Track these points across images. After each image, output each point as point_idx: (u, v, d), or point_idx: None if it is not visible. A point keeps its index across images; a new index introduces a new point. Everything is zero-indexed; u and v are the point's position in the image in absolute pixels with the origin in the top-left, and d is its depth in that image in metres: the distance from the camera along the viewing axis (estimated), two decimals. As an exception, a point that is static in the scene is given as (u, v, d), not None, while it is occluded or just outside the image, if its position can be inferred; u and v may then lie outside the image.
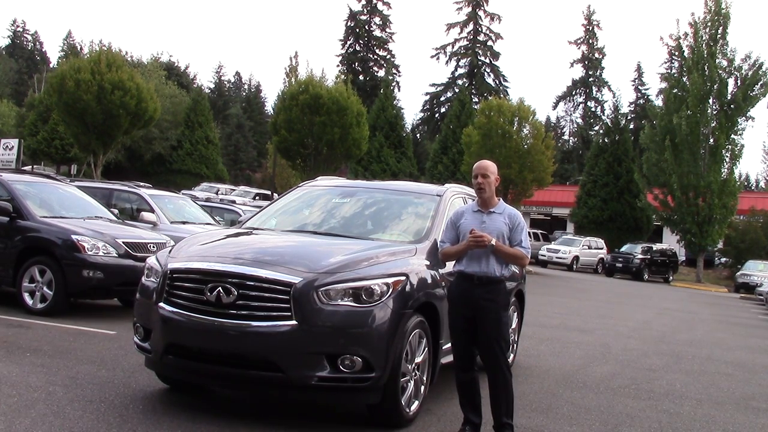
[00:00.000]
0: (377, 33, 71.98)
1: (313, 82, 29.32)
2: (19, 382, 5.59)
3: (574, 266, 35.99)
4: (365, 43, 71.62)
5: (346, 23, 71.30)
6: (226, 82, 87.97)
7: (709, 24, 35.67)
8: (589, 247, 37.81)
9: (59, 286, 8.63)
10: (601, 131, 56.14)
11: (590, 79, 73.23)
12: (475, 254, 5.02)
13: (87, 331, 7.97)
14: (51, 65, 76.60)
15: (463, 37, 70.03)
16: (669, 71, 48.84)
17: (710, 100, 35.43)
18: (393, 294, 4.96)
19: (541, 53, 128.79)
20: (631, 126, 61.25)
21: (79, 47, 65.49)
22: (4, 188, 9.35)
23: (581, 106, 74.86)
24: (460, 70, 70.36)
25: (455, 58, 70.36)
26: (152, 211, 12.11)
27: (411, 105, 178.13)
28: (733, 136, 35.45)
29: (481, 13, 69.44)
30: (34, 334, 7.51)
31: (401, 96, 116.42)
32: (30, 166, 45.39)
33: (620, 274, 34.81)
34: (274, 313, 4.76)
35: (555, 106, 78.12)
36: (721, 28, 35.53)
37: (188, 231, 10.63)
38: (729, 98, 35.35)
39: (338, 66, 70.06)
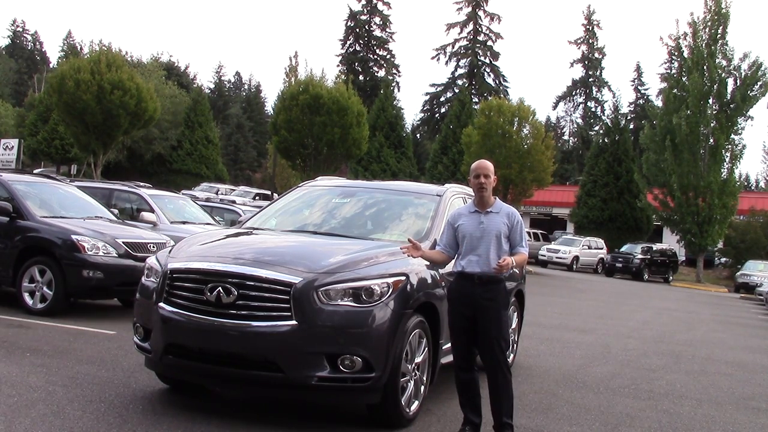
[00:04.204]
0: (377, 33, 71.98)
1: (313, 82, 29.33)
2: (19, 382, 5.59)
3: (574, 266, 35.98)
4: (365, 43, 71.61)
5: (346, 23, 71.33)
6: (226, 82, 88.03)
7: (708, 24, 35.66)
8: (589, 247, 37.80)
9: (59, 286, 8.63)
10: (601, 131, 56.20)
11: (590, 79, 73.22)
12: (475, 254, 5.02)
13: (87, 331, 7.97)
14: (51, 65, 76.65)
15: (463, 37, 70.04)
16: (669, 71, 48.80)
17: (710, 100, 35.42)
18: (393, 294, 4.97)
19: (541, 53, 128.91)
20: (631, 126, 61.29)
21: (79, 47, 65.51)
22: (4, 188, 9.35)
23: (581, 106, 74.87)
24: (460, 71, 70.37)
25: (455, 58, 70.37)
26: (152, 211, 12.11)
27: (411, 105, 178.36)
28: (733, 136, 35.45)
29: (481, 13, 69.43)
30: (34, 334, 7.51)
31: (401, 96, 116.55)
32: (32, 169, 45.45)
33: (620, 274, 34.81)
34: (274, 313, 4.76)
35: (555, 106, 78.19)
36: (720, 27, 35.53)
37: (188, 231, 10.63)
38: (728, 98, 35.34)
39: (338, 66, 70.13)
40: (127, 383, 5.85)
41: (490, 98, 39.26)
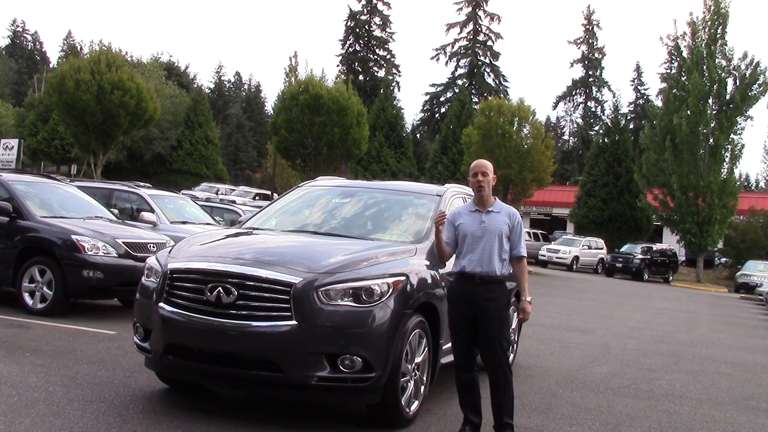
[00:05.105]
0: (377, 33, 71.96)
1: (313, 82, 29.35)
2: (19, 382, 5.59)
3: (574, 266, 35.97)
4: (365, 43, 71.60)
5: (346, 23, 71.30)
6: (226, 82, 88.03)
7: (708, 24, 35.67)
8: (589, 247, 37.80)
9: (59, 286, 8.63)
10: (601, 131, 56.17)
11: (590, 79, 73.22)
12: (475, 254, 5.03)
13: (87, 331, 7.97)
14: (51, 65, 76.62)
15: (463, 37, 70.05)
16: (669, 71, 48.82)
17: (710, 100, 35.43)
18: (393, 294, 4.96)
19: (541, 53, 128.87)
20: (631, 126, 61.27)
21: (79, 47, 65.56)
22: (4, 188, 9.34)
23: (581, 106, 74.86)
24: (460, 70, 70.37)
25: (455, 58, 70.37)
26: (152, 211, 12.11)
27: (411, 105, 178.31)
28: (732, 136, 35.46)
29: (481, 13, 69.44)
30: (34, 334, 7.51)
31: (401, 96, 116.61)
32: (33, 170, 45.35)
33: (620, 274, 34.80)
34: (274, 313, 4.76)
35: (555, 106, 78.19)
36: (720, 27, 35.54)
37: (188, 231, 10.63)
38: (728, 98, 35.35)
39: (338, 66, 70.13)
40: (127, 383, 5.85)
41: (490, 98, 39.27)
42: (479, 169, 5.14)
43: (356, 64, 70.48)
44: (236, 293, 4.79)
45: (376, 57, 72.06)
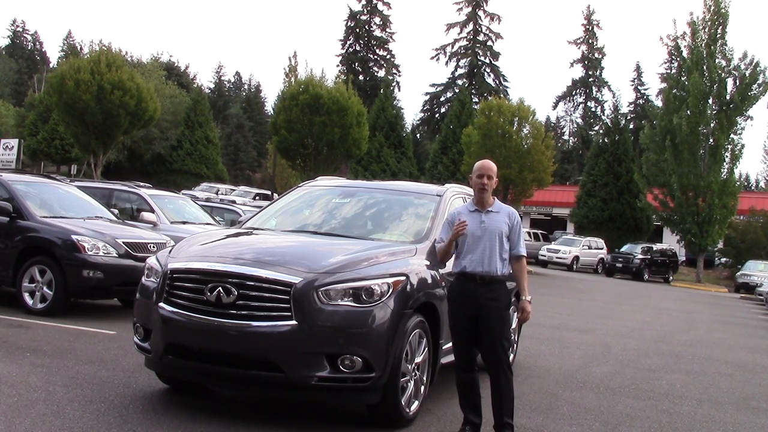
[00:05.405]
0: (377, 33, 71.98)
1: (313, 82, 29.35)
2: (19, 382, 5.59)
3: (574, 266, 35.97)
4: (365, 43, 71.61)
5: (346, 23, 71.33)
6: (226, 82, 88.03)
7: (708, 24, 35.67)
8: (589, 247, 37.80)
9: (59, 286, 8.63)
10: (601, 131, 56.19)
11: (590, 79, 73.24)
12: (476, 254, 5.03)
13: (87, 331, 7.97)
14: (51, 65, 76.62)
15: (463, 37, 70.08)
16: (669, 71, 48.82)
17: (710, 100, 35.43)
18: (393, 294, 4.96)
19: (541, 53, 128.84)
20: (631, 126, 61.29)
21: (79, 47, 65.55)
22: (4, 188, 9.34)
23: (581, 106, 74.88)
24: (460, 70, 70.39)
25: (455, 58, 70.40)
26: (152, 211, 12.11)
27: (411, 105, 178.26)
28: (732, 136, 35.46)
29: (480, 13, 69.46)
30: (34, 334, 7.51)
31: (401, 96, 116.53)
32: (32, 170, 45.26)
33: (620, 274, 34.80)
34: (274, 313, 4.76)
35: (555, 106, 78.24)
36: (720, 27, 35.54)
37: (188, 231, 10.63)
38: (728, 98, 35.35)
39: (338, 66, 70.14)
40: (127, 383, 5.85)
41: (490, 98, 39.27)
42: (485, 172, 5.13)
43: (356, 64, 70.48)
44: (236, 293, 4.79)
45: (376, 57, 72.08)
